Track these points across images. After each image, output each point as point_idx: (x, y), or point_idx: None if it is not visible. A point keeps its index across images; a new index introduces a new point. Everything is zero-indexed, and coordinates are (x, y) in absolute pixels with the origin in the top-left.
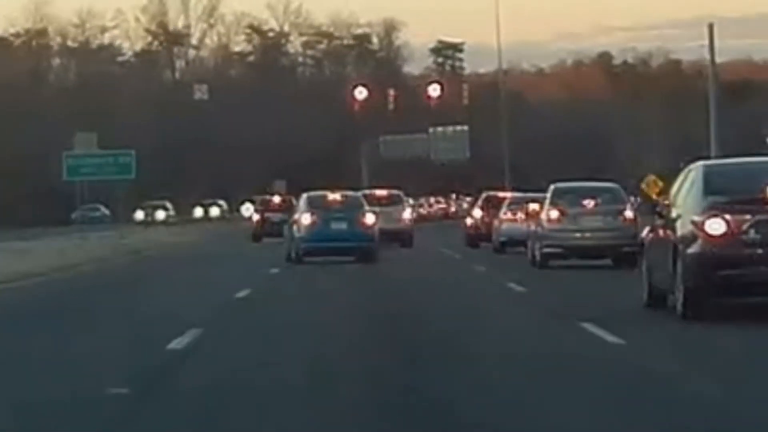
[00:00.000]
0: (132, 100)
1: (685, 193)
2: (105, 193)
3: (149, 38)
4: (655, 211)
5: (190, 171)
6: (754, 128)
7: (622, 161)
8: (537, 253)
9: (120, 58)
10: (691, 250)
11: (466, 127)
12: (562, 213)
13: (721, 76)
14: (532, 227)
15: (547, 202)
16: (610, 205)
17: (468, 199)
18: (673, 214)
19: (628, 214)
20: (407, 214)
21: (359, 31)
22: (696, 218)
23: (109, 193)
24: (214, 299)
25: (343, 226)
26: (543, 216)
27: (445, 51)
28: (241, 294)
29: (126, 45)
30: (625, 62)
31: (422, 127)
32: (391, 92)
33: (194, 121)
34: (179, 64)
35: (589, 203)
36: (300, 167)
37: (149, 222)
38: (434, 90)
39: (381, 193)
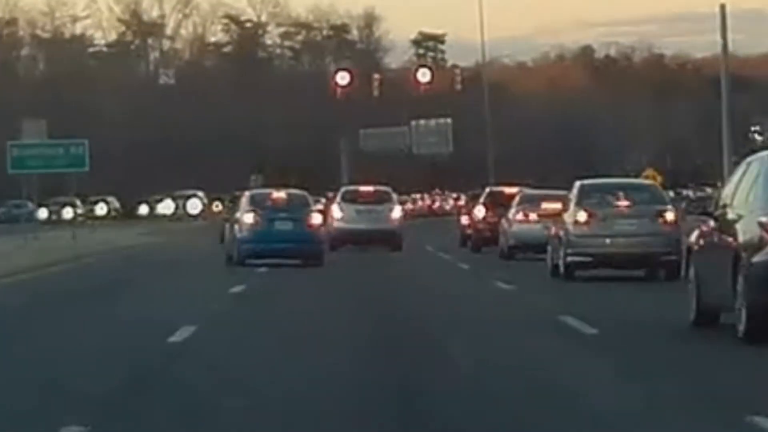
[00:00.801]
0: (104, 93)
1: (747, 190)
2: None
3: (122, 28)
4: (706, 211)
5: (162, 166)
6: (740, 122)
7: (606, 155)
8: (560, 263)
9: (92, 49)
10: (757, 259)
11: (449, 120)
12: (591, 215)
13: (703, 71)
14: (553, 231)
15: (573, 201)
16: (647, 205)
17: (454, 195)
18: (731, 216)
19: (670, 215)
20: (397, 213)
21: (338, 21)
22: (764, 219)
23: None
24: (134, 350)
25: (288, 226)
26: (568, 218)
27: (426, 43)
28: (176, 337)
29: (98, 35)
30: (607, 56)
31: (403, 120)
32: (376, 77)
33: (168, 113)
34: (153, 55)
35: (623, 203)
36: (278, 161)
37: (56, 221)
38: (423, 75)
39: (367, 189)
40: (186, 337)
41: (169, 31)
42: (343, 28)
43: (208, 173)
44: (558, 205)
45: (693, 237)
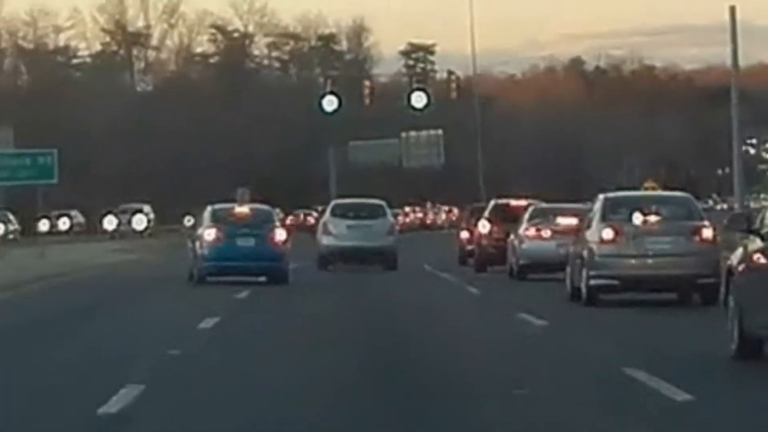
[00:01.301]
0: (86, 104)
1: None
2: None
3: (107, 39)
4: (752, 229)
5: (146, 179)
6: (729, 133)
7: (599, 166)
8: (582, 285)
9: (75, 61)
10: None
11: (440, 131)
12: (617, 232)
13: (695, 82)
14: (573, 250)
15: (597, 216)
16: (681, 221)
17: (446, 208)
18: None
19: (707, 233)
20: (391, 229)
21: (327, 32)
22: None
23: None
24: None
25: (251, 243)
26: (590, 235)
27: (416, 53)
28: (113, 407)
29: (82, 46)
30: (597, 67)
31: (393, 132)
32: (367, 84)
33: (153, 125)
34: (138, 66)
35: (654, 219)
36: (265, 174)
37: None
38: (418, 100)
39: (359, 203)
40: (123, 406)
41: (154, 41)
42: (331, 39)
43: (193, 186)
44: (574, 221)
45: (735, 258)
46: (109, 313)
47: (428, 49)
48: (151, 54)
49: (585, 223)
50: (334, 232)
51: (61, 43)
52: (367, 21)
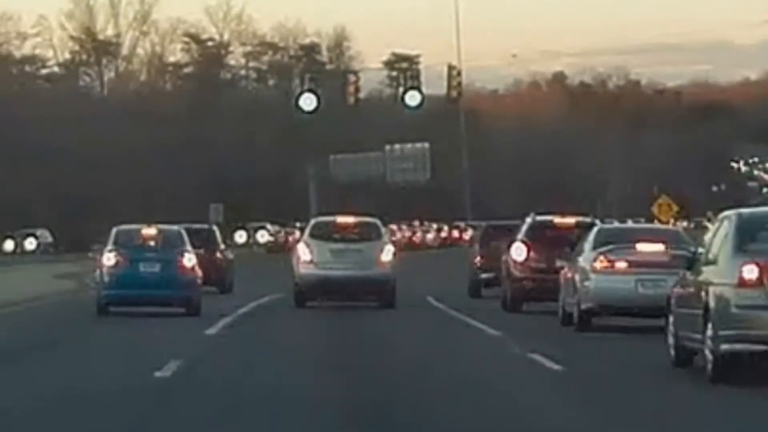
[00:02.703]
0: (54, 116)
1: None
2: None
3: (75, 47)
4: None
5: (116, 196)
6: (718, 149)
7: (586, 183)
8: (706, 352)
9: (43, 70)
10: None
11: (426, 144)
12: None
13: (683, 97)
14: (679, 291)
15: (728, 245)
16: None
17: (434, 226)
18: None
19: None
20: (388, 254)
21: (307, 41)
22: None
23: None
24: None
25: (155, 269)
26: (713, 274)
27: (400, 64)
28: None
29: (49, 55)
30: (582, 82)
31: (376, 145)
32: (352, 79)
33: (123, 139)
34: (108, 76)
35: None
36: (241, 191)
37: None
38: (412, 98)
39: (346, 221)
40: None
41: (125, 50)
42: (311, 48)
43: (164, 204)
44: (660, 247)
45: None
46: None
47: (413, 60)
48: (122, 64)
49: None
50: (315, 258)
51: (27, 51)
52: (348, 29)
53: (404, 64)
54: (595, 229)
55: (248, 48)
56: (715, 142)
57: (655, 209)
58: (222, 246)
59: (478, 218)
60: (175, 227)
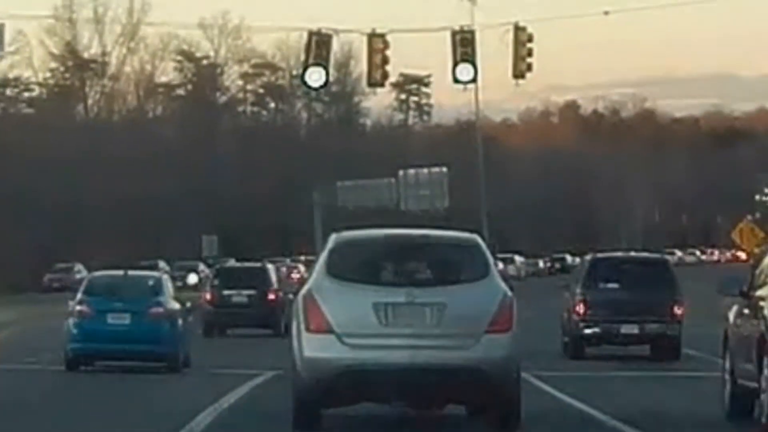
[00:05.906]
0: (34, 142)
1: None
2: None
3: (56, 66)
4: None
5: (102, 227)
6: (740, 174)
7: (607, 211)
8: None
9: (19, 89)
10: None
11: (444, 169)
12: None
13: (700, 124)
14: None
15: None
16: None
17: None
18: None
19: None
20: (506, 309)
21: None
22: None
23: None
24: None
25: (125, 320)
26: None
27: (409, 85)
28: None
29: (28, 74)
30: (595, 111)
31: (387, 171)
32: (379, 45)
33: (110, 165)
34: (93, 97)
35: None
36: (238, 221)
37: None
38: (464, 72)
39: (412, 239)
40: None
41: (111, 68)
42: None
43: (155, 236)
44: None
45: None
46: None
47: (422, 81)
48: (108, 84)
49: None
50: (341, 322)
51: (2, 69)
52: (355, 47)
53: (413, 86)
54: None
55: (245, 68)
56: (739, 169)
57: (735, 236)
58: (275, 285)
59: (501, 250)
60: (156, 273)
